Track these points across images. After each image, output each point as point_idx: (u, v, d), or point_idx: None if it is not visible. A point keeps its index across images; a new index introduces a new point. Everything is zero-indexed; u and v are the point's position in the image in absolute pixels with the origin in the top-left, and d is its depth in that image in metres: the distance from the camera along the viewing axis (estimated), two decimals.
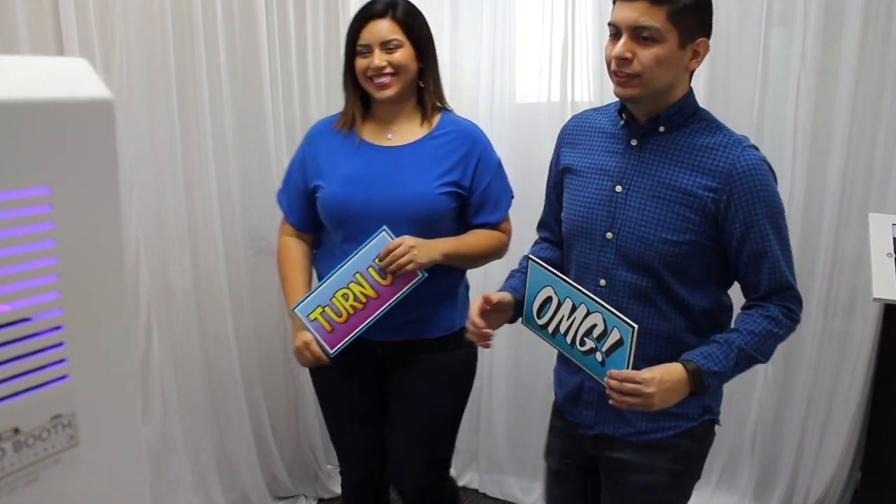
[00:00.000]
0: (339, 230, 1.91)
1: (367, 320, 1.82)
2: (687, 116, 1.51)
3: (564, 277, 1.50)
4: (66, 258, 0.55)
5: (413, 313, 1.89)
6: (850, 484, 2.67)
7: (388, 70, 1.83)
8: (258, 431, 2.69)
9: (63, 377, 0.55)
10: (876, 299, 1.99)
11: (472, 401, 3.02)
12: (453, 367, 2.00)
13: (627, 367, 1.39)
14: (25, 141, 0.51)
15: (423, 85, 1.92)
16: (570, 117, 1.74)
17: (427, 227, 1.84)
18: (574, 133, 1.68)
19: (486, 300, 1.56)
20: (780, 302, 1.51)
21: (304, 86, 2.67)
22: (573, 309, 1.48)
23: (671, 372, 1.42)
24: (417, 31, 1.87)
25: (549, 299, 1.53)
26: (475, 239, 1.92)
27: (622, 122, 1.55)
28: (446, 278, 1.93)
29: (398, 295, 1.81)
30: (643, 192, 1.50)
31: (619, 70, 1.44)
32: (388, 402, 2.04)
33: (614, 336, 1.41)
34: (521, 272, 1.65)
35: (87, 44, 2.00)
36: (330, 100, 2.67)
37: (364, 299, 1.82)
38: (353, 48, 1.87)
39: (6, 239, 0.52)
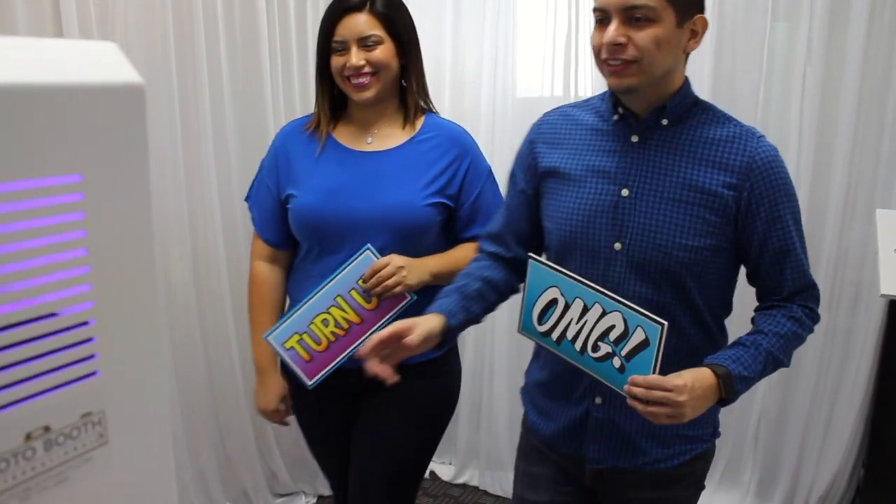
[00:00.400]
0: (312, 246, 1.73)
1: (350, 348, 1.63)
2: (689, 107, 1.38)
3: (573, 275, 1.34)
4: (96, 250, 0.52)
5: None
6: (853, 481, 2.67)
7: (367, 69, 1.64)
8: (258, 428, 2.67)
9: (93, 374, 0.53)
10: (883, 295, 1.98)
11: (472, 398, 3.03)
12: (430, 396, 1.80)
13: (654, 372, 1.24)
14: (55, 127, 0.49)
15: (405, 84, 1.74)
16: (543, 113, 1.55)
17: (410, 242, 1.67)
18: (554, 130, 1.49)
19: (386, 341, 1.33)
20: (802, 302, 1.41)
21: (304, 80, 2.64)
22: (584, 310, 1.32)
23: (701, 378, 1.27)
24: (399, 25, 1.69)
25: (553, 302, 1.37)
26: (465, 254, 1.69)
27: (616, 117, 1.40)
28: (431, 298, 1.67)
29: (384, 320, 1.63)
30: (655, 195, 1.35)
31: (613, 58, 1.29)
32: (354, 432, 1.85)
33: (637, 337, 1.26)
34: (458, 291, 1.45)
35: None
36: None
37: (346, 325, 1.64)
38: (328, 45, 1.68)
39: (36, 230, 0.50)
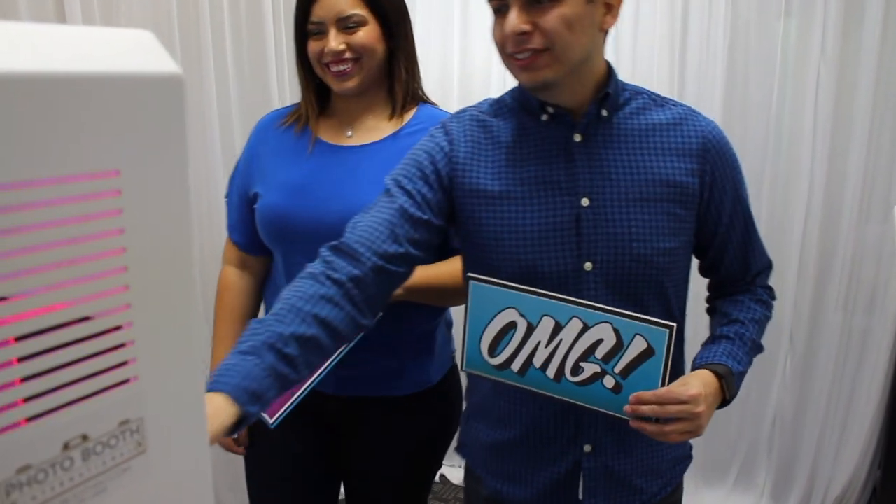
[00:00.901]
0: (277, 251, 1.51)
1: (312, 378, 1.39)
2: (621, 91, 1.23)
3: (537, 290, 1.12)
4: (134, 249, 0.50)
5: (378, 364, 1.47)
6: (869, 483, 2.64)
7: (349, 55, 1.42)
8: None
9: (131, 379, 0.51)
10: None
11: None
12: (425, 436, 1.57)
13: (663, 384, 1.09)
14: (92, 118, 0.47)
15: (393, 70, 1.51)
16: (440, 123, 1.29)
17: None
18: (471, 140, 1.24)
19: None
20: (762, 283, 1.33)
21: None
22: (556, 329, 1.11)
23: (707, 381, 1.15)
24: (385, 2, 1.46)
25: (510, 326, 1.14)
26: (452, 269, 1.44)
27: (546, 117, 1.21)
28: (418, 315, 1.49)
29: (347, 344, 1.37)
30: (619, 199, 1.17)
31: (520, 50, 1.11)
32: (339, 470, 1.61)
33: (637, 347, 1.09)
34: (273, 350, 0.97)
35: None
36: None
37: None
38: (304, 27, 1.46)
39: (72, 227, 0.47)
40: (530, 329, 1.13)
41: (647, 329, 1.08)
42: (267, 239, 1.51)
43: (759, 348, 1.29)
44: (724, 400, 1.19)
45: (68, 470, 0.48)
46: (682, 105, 1.25)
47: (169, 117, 0.51)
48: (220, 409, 0.87)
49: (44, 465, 0.47)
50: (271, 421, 1.40)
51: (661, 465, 1.31)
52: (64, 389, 0.47)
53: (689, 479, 2.57)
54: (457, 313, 1.55)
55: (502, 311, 1.13)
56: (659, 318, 1.11)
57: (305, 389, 1.38)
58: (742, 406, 2.64)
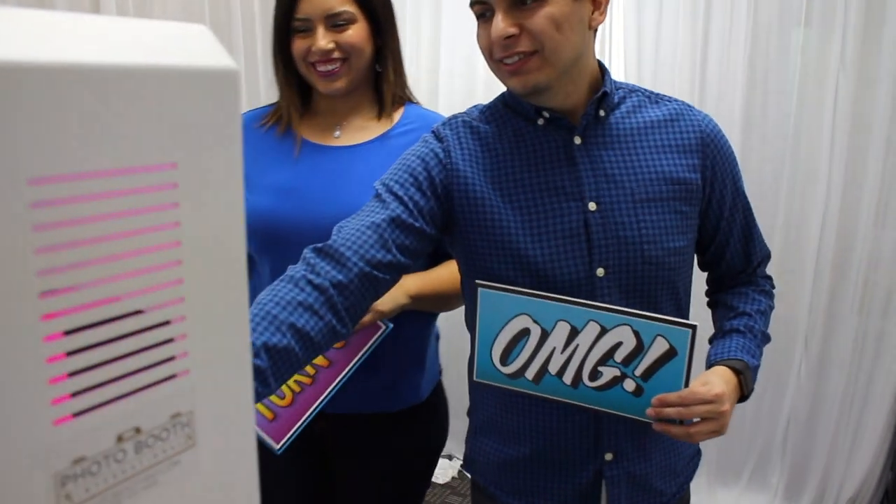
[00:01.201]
0: (264, 259, 1.43)
1: (320, 398, 1.32)
2: (614, 89, 1.21)
3: (551, 295, 1.10)
4: (189, 243, 0.50)
5: (372, 380, 1.42)
6: (881, 484, 2.64)
7: (337, 54, 1.36)
8: None
9: (183, 372, 0.51)
10: None
11: None
12: (417, 453, 1.54)
13: (685, 385, 1.08)
14: (150, 110, 0.47)
15: (379, 69, 1.46)
16: (434, 128, 1.25)
17: None
18: (464, 146, 1.20)
19: None
20: (762, 273, 1.32)
21: None
22: (573, 334, 1.08)
23: (726, 379, 1.14)
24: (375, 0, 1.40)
25: (523, 334, 1.11)
26: (451, 273, 1.40)
27: (542, 121, 1.18)
28: (412, 327, 1.45)
29: (357, 358, 1.33)
30: (626, 201, 1.15)
31: (508, 54, 1.08)
32: (330, 489, 1.56)
33: (658, 349, 1.07)
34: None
35: None
36: None
37: (312, 371, 1.33)
38: (287, 24, 1.38)
39: (129, 219, 0.47)
40: (544, 335, 1.10)
41: (668, 330, 1.07)
42: (255, 246, 1.42)
43: (767, 339, 1.29)
44: (743, 395, 1.19)
45: (121, 462, 0.48)
46: (676, 101, 1.24)
47: (225, 112, 0.51)
48: None
49: (98, 456, 0.47)
50: (277, 447, 1.33)
51: (678, 465, 1.30)
52: (118, 382, 0.47)
53: (703, 479, 2.57)
54: (443, 325, 1.58)
55: (514, 317, 1.11)
56: (671, 317, 1.11)
57: (313, 411, 1.32)
58: (756, 406, 2.64)
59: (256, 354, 0.92)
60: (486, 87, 2.82)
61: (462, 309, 1.34)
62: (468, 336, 1.19)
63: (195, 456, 0.52)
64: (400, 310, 1.36)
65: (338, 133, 1.45)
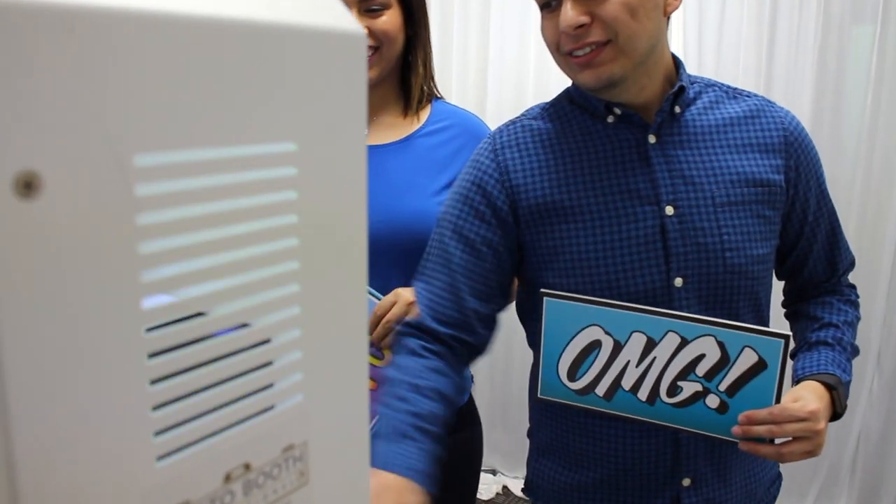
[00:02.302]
0: None
1: (370, 424, 1.25)
2: (689, 84, 1.12)
3: (625, 304, 1.01)
4: (307, 242, 0.41)
5: None
6: None
7: (369, 42, 1.27)
8: None
9: (296, 398, 0.42)
10: None
11: (517, 400, 2.85)
12: (457, 458, 1.40)
13: (776, 401, 0.99)
14: (268, 77, 0.38)
15: (409, 60, 1.37)
16: (488, 139, 1.17)
17: None
18: (523, 153, 1.11)
19: None
20: (847, 282, 1.23)
21: None
22: (650, 346, 1.00)
23: (819, 394, 1.04)
24: None
25: (594, 346, 1.02)
26: None
27: (612, 119, 1.09)
28: None
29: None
30: (706, 205, 1.06)
31: (578, 46, 1.00)
32: None
33: (746, 361, 0.98)
34: (420, 430, 0.97)
35: None
36: None
37: None
38: None
39: (236, 211, 0.38)
40: (617, 347, 1.01)
41: (757, 340, 0.97)
42: None
43: (856, 352, 1.19)
44: (835, 413, 1.08)
45: None
46: (755, 95, 1.15)
47: (352, 84, 0.42)
48: (404, 492, 0.88)
49: (202, 500, 0.38)
50: None
51: (758, 490, 1.21)
52: (224, 409, 0.39)
53: None
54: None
55: (583, 329, 1.02)
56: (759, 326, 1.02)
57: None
58: None
59: (432, 423, 0.98)
60: (537, 76, 2.72)
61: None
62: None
63: (308, 495, 0.43)
64: None
65: (366, 132, 1.37)
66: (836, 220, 1.21)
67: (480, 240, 1.09)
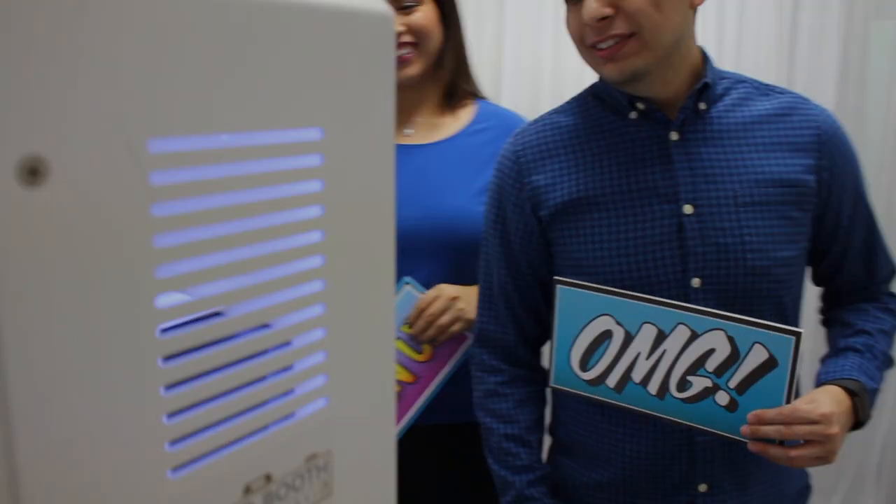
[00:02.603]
0: None
1: (406, 417, 1.24)
2: (719, 80, 1.09)
3: (637, 294, 0.99)
4: (332, 236, 0.39)
5: (445, 388, 1.32)
6: None
7: (407, 38, 1.26)
8: None
9: (320, 402, 0.39)
10: None
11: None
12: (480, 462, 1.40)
13: (787, 401, 0.95)
14: (294, 58, 0.35)
15: (445, 60, 1.36)
16: (511, 138, 1.16)
17: (465, 266, 1.27)
18: (544, 152, 1.10)
19: None
20: (887, 290, 1.17)
21: None
22: (660, 338, 0.98)
23: (838, 399, 0.99)
24: None
25: (605, 336, 1.01)
26: None
27: (635, 114, 1.07)
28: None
29: (444, 371, 1.25)
30: (727, 203, 1.03)
31: (602, 39, 0.98)
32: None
33: (756, 358, 0.95)
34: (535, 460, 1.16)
35: None
36: None
37: (396, 388, 1.18)
38: None
39: (271, 201, 0.36)
40: (628, 338, 0.99)
41: (768, 336, 0.94)
42: None
43: (890, 362, 1.13)
44: (857, 421, 1.03)
45: None
46: (789, 92, 1.10)
47: (378, 66, 0.39)
48: None
49: None
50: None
51: (781, 501, 1.15)
52: (244, 416, 0.36)
53: None
54: None
55: (595, 318, 1.01)
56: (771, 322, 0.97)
57: (403, 429, 1.25)
58: None
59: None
60: (553, 76, 2.68)
61: None
62: None
63: None
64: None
65: (411, 131, 1.35)
66: (875, 225, 1.15)
67: (523, 254, 1.13)
